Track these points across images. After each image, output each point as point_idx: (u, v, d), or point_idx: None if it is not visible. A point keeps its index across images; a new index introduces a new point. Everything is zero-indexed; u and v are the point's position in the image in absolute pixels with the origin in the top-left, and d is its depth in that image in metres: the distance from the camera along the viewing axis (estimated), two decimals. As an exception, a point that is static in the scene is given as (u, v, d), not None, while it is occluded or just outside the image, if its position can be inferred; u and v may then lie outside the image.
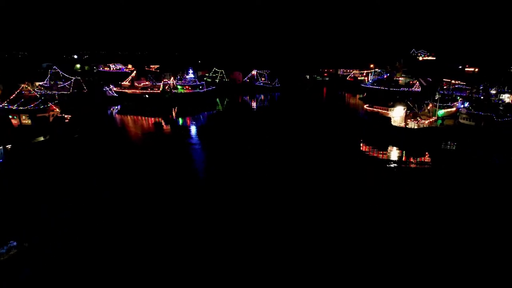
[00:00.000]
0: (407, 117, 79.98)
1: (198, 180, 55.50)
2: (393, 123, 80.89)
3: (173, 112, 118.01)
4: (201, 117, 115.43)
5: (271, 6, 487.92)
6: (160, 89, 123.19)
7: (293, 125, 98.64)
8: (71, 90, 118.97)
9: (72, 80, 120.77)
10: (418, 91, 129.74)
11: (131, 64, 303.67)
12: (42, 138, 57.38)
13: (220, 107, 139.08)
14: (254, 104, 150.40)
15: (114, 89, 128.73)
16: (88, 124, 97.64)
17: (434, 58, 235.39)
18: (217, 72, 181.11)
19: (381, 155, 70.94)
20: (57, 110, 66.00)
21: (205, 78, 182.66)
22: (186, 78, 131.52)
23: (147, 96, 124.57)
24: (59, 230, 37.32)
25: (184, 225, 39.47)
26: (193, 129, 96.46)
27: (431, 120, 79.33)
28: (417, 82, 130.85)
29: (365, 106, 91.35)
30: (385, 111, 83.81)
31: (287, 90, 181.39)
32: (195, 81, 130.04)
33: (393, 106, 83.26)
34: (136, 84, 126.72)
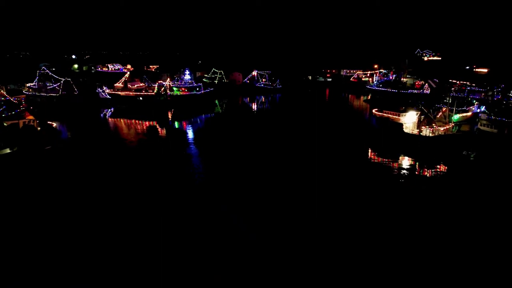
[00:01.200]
0: (421, 123, 72.11)
1: (194, 187, 49.70)
2: (404, 129, 73.16)
3: (169, 116, 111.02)
4: (199, 120, 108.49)
5: (272, 5, 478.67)
6: (155, 91, 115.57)
7: (295, 129, 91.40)
8: (60, 92, 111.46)
9: (62, 82, 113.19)
10: (427, 93, 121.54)
11: (130, 64, 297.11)
12: (8, 150, 49.94)
13: (219, 108, 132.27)
14: (254, 106, 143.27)
15: (107, 91, 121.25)
16: (74, 131, 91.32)
17: (440, 58, 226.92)
18: (216, 73, 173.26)
19: (391, 164, 63.54)
20: (31, 117, 58.39)
21: (204, 79, 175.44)
22: (183, 79, 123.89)
23: (141, 98, 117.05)
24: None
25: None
26: (190, 134, 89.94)
27: (447, 126, 71.42)
28: (426, 84, 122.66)
29: (373, 111, 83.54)
30: (396, 117, 75.97)
31: (288, 92, 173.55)
32: (191, 83, 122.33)
33: (405, 111, 75.42)
34: (129, 86, 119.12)
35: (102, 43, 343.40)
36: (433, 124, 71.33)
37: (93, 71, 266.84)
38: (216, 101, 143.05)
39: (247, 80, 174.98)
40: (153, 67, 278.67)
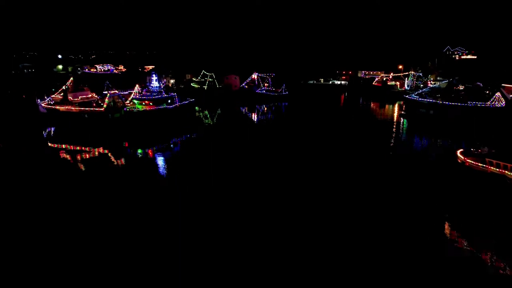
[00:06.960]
0: None
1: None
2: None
3: (129, 141, 72.42)
4: (172, 145, 70.74)
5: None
6: (105, 105, 76.30)
7: (311, 163, 52.39)
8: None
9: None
10: (501, 107, 79.90)
11: (123, 64, 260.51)
12: None
13: (209, 121, 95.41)
14: (254, 117, 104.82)
15: (43, 104, 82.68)
16: None
17: (475, 57, 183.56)
18: (206, 76, 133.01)
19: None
20: None
21: (192, 84, 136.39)
22: (150, 88, 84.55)
23: (86, 116, 78.04)
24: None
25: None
26: (160, 167, 57.19)
27: None
28: (498, 93, 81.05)
29: (458, 154, 43.22)
30: (523, 176, 35.83)
31: (297, 99, 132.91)
32: (160, 92, 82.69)
33: (543, 165, 35.14)
34: (70, 97, 79.93)
35: (93, 42, 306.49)
36: None
37: (79, 72, 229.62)
38: (206, 112, 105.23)
39: (245, 84, 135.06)
40: (147, 68, 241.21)
